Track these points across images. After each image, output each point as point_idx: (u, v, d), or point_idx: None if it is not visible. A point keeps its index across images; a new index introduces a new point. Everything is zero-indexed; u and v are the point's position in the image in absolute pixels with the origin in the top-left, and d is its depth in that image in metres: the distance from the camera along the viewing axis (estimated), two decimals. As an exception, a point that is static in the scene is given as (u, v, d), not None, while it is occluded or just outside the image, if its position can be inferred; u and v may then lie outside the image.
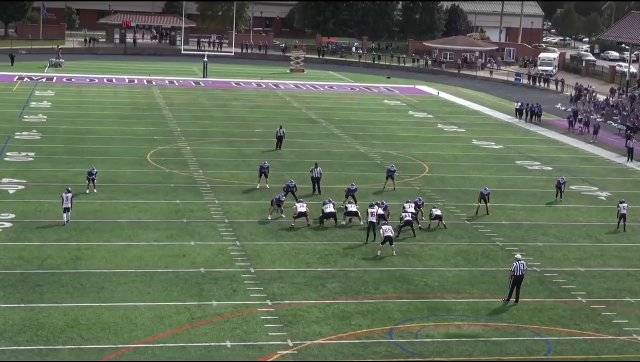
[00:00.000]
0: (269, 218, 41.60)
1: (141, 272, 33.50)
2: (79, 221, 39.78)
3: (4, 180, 46.85)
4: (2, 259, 34.04)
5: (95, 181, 45.51)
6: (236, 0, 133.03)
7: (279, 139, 59.55)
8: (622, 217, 43.29)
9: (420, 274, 35.13)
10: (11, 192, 44.65)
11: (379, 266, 35.78)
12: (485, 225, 42.79)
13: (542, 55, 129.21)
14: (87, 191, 44.93)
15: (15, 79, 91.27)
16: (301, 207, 40.58)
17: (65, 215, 39.41)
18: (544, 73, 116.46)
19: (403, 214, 40.18)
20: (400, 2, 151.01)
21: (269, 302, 31.04)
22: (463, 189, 50.58)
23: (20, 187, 45.69)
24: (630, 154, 62.70)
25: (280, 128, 60.43)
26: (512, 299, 32.23)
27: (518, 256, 33.11)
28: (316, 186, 47.16)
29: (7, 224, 38.74)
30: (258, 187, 47.64)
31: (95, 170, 45.96)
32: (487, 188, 45.35)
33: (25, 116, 67.88)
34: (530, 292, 33.42)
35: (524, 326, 30.16)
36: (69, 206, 39.44)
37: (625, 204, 43.50)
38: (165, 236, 38.22)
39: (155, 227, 39.47)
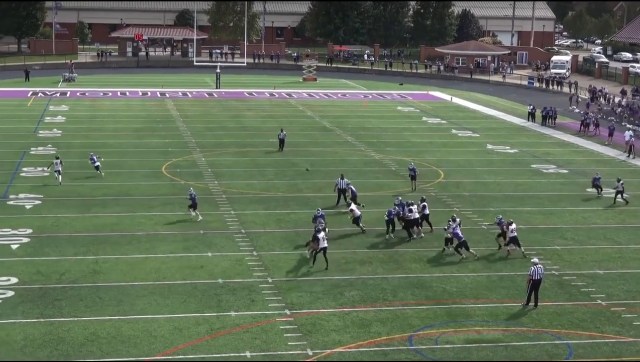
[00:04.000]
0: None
1: (159, 284, 33.54)
2: (96, 234, 39.92)
3: (21, 195, 47.03)
4: (21, 274, 34.14)
5: (100, 168, 52.03)
6: (248, 0, 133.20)
7: (281, 141, 61.97)
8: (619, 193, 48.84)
9: (438, 280, 35.04)
10: (28, 207, 44.80)
11: (397, 273, 35.71)
12: (503, 229, 42.62)
13: (555, 58, 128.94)
14: (102, 175, 51.95)
15: (29, 95, 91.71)
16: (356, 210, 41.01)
17: (59, 177, 49.31)
18: (557, 76, 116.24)
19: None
20: (411, 9, 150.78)
21: (288, 312, 31.02)
22: (479, 194, 50.45)
23: (37, 202, 45.84)
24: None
25: (282, 131, 63.01)
26: (531, 304, 32.11)
27: (535, 259, 32.99)
28: (342, 197, 46.84)
29: (25, 240, 38.86)
30: (199, 219, 42.97)
31: (94, 157, 52.61)
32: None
33: (40, 131, 68.17)
34: (549, 295, 33.29)
35: (544, 330, 30.04)
36: (60, 169, 49.47)
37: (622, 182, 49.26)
38: (182, 248, 38.26)
39: (172, 239, 39.52)
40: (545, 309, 31.90)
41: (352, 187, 46.41)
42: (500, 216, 40.38)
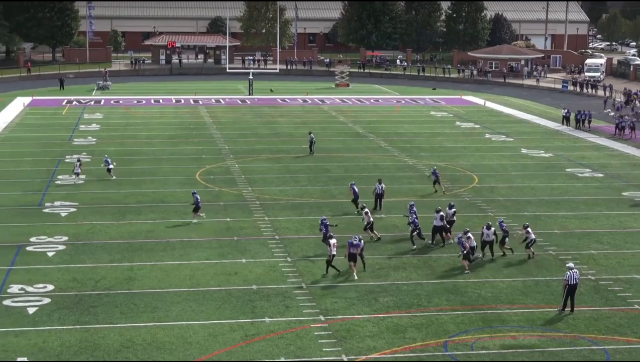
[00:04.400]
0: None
1: (194, 291, 33.64)
2: (131, 241, 40.13)
3: (56, 203, 47.39)
4: (57, 281, 34.38)
5: (112, 170, 54.05)
6: None
7: (311, 143, 63.68)
8: None
9: (473, 285, 34.86)
10: (63, 215, 45.12)
11: (432, 279, 35.57)
12: (537, 234, 42.27)
13: (589, 61, 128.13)
14: (114, 177, 53.74)
15: (64, 103, 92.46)
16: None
17: (76, 178, 53.01)
18: (591, 79, 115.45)
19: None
20: (444, 14, 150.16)
21: (322, 318, 30.98)
22: (513, 198, 50.18)
23: (72, 209, 46.15)
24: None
25: (310, 133, 64.80)
26: (567, 309, 31.85)
27: (571, 264, 32.76)
28: (378, 202, 46.91)
29: (61, 247, 39.14)
30: (195, 221, 43.88)
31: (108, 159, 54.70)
32: None
33: (75, 139, 68.66)
34: (585, 300, 33.02)
35: (580, 335, 29.78)
36: (79, 171, 53.17)
37: None
38: (217, 254, 38.34)
39: (207, 246, 39.62)
40: (582, 314, 31.63)
41: (355, 187, 46.48)
42: (502, 219, 40.26)
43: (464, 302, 32.91)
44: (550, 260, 38.27)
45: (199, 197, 44.16)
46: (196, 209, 43.73)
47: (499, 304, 32.85)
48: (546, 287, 34.69)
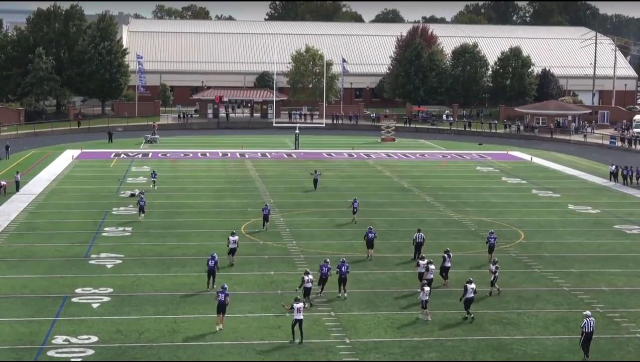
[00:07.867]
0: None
1: (237, 344, 33.56)
2: (175, 293, 40.21)
3: (102, 255, 47.73)
4: (101, 333, 34.50)
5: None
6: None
7: (315, 181, 71.44)
8: None
9: (518, 342, 34.43)
10: (109, 266, 45.41)
11: (477, 335, 35.19)
12: (585, 291, 41.83)
13: (638, 117, 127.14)
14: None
15: (112, 156, 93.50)
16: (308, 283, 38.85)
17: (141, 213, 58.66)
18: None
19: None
20: (490, 69, 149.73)
21: (366, 373, 30.73)
22: (560, 255, 49.65)
23: (118, 261, 46.44)
24: None
25: (315, 172, 72.95)
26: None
27: (587, 312, 32.99)
28: (418, 252, 47.00)
29: (106, 299, 39.32)
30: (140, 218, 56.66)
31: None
32: None
33: (122, 192, 69.24)
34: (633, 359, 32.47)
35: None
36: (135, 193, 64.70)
37: None
38: (261, 308, 38.27)
39: (250, 299, 39.58)
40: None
41: (268, 209, 55.44)
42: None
43: (509, 359, 32.47)
44: (598, 317, 37.62)
45: (142, 201, 57.05)
46: (141, 209, 56.65)
47: None
48: (594, 344, 34.10)
